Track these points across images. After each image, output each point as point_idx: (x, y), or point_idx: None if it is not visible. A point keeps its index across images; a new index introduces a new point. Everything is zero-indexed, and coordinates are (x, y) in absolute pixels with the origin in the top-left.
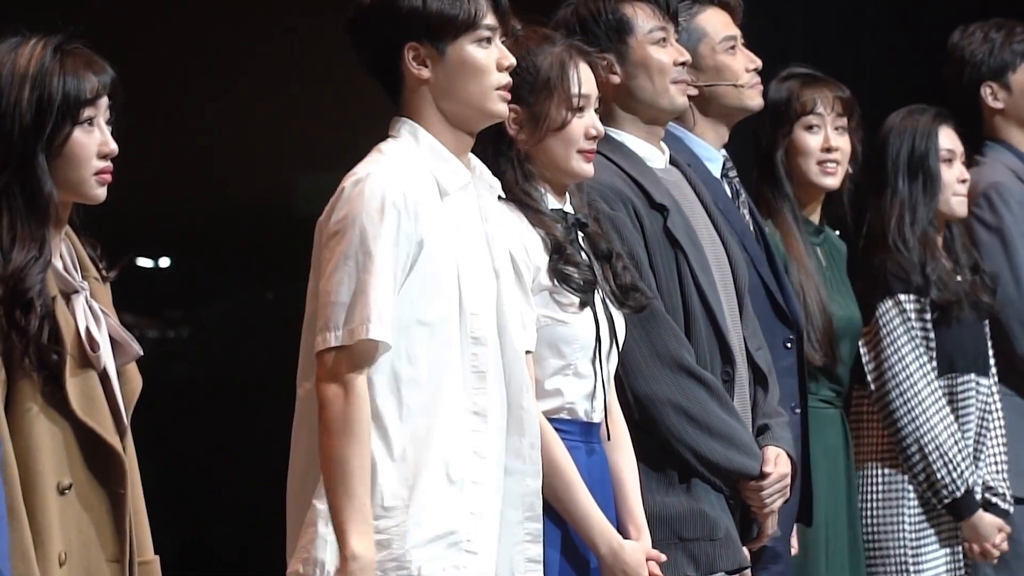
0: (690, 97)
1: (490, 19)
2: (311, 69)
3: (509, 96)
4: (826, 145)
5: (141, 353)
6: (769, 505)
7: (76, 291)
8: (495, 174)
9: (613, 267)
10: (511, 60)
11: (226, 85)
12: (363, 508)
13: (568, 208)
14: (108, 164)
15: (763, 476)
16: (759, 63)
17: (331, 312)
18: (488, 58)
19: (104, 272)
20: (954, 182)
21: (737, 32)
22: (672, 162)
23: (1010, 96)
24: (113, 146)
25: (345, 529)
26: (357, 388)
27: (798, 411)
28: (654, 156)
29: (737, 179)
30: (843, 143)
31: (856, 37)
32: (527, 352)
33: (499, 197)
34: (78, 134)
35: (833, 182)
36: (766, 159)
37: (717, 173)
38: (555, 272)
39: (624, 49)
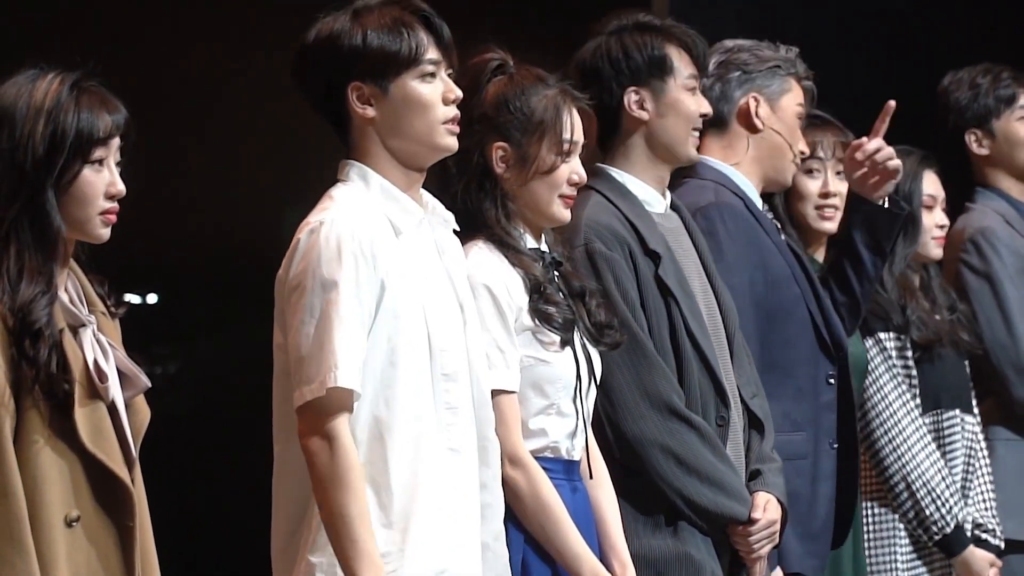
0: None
1: (433, 53)
2: (296, 101)
3: (457, 129)
4: (824, 190)
5: (149, 385)
6: (757, 551)
7: (83, 324)
8: (476, 211)
9: (587, 305)
10: (457, 93)
11: (211, 118)
12: (370, 553)
13: (544, 247)
14: (114, 205)
15: (751, 522)
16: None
17: (301, 367)
18: (433, 93)
19: (112, 308)
20: (932, 227)
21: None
22: (673, 207)
23: (994, 143)
24: (121, 187)
25: None
26: (340, 437)
27: (835, 447)
28: (655, 200)
29: (773, 218)
30: (842, 188)
31: (853, 59)
32: (511, 392)
33: (454, 231)
34: (87, 173)
35: (831, 227)
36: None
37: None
38: (536, 312)
39: (660, 87)
